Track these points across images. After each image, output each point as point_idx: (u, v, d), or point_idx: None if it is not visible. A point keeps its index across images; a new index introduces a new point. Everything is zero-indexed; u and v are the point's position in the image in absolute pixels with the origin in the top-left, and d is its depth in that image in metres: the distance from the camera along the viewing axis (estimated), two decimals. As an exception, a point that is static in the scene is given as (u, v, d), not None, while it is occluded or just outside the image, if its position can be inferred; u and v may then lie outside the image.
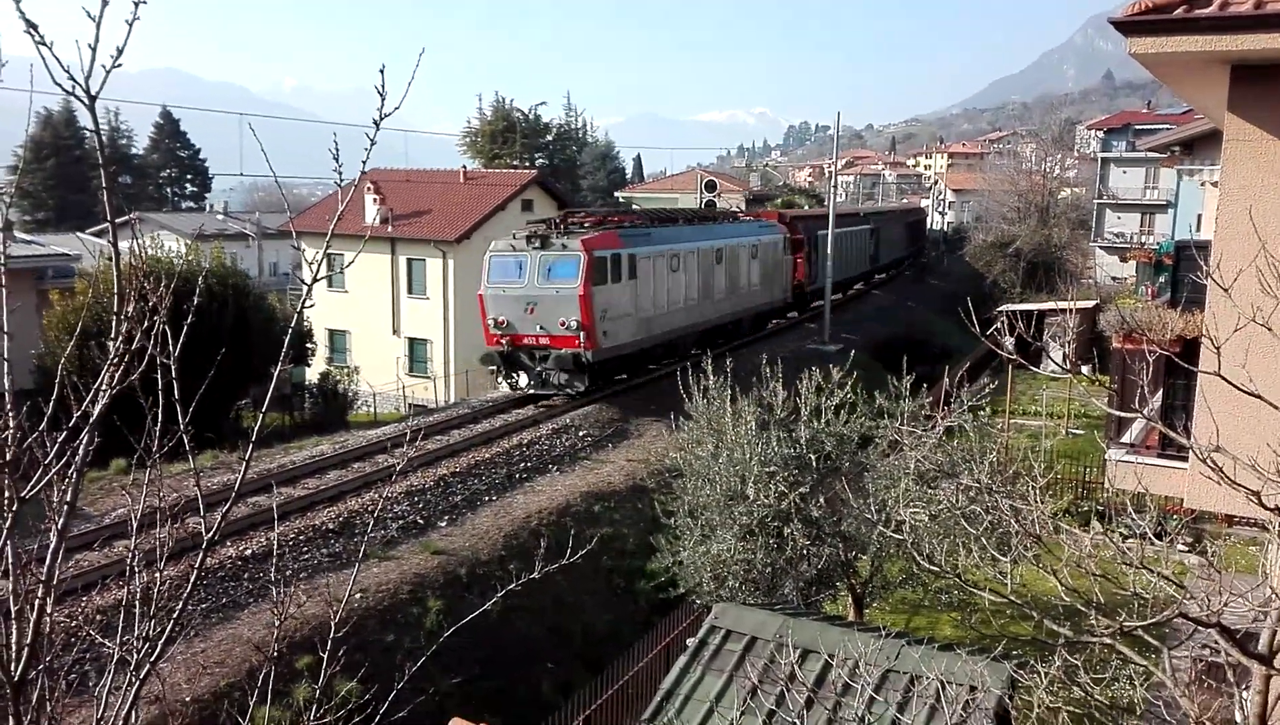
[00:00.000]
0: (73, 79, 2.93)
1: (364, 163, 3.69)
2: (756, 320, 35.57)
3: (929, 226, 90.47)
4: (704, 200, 48.60)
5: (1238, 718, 6.05)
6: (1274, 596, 4.11)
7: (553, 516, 16.90)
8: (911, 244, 71.96)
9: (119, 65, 2.98)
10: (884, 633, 7.79)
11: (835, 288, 44.37)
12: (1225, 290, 4.56)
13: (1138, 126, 66.71)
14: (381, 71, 3.35)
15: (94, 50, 2.91)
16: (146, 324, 3.39)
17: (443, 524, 16.41)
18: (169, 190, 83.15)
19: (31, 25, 2.90)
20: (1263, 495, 3.86)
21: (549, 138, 79.29)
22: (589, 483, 19.10)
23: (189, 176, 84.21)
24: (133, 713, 3.37)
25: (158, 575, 3.48)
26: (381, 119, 3.36)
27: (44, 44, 2.88)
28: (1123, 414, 8.34)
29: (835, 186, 45.92)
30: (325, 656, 3.79)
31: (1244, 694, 5.22)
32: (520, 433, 21.84)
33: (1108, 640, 4.47)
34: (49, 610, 3.19)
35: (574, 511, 17.43)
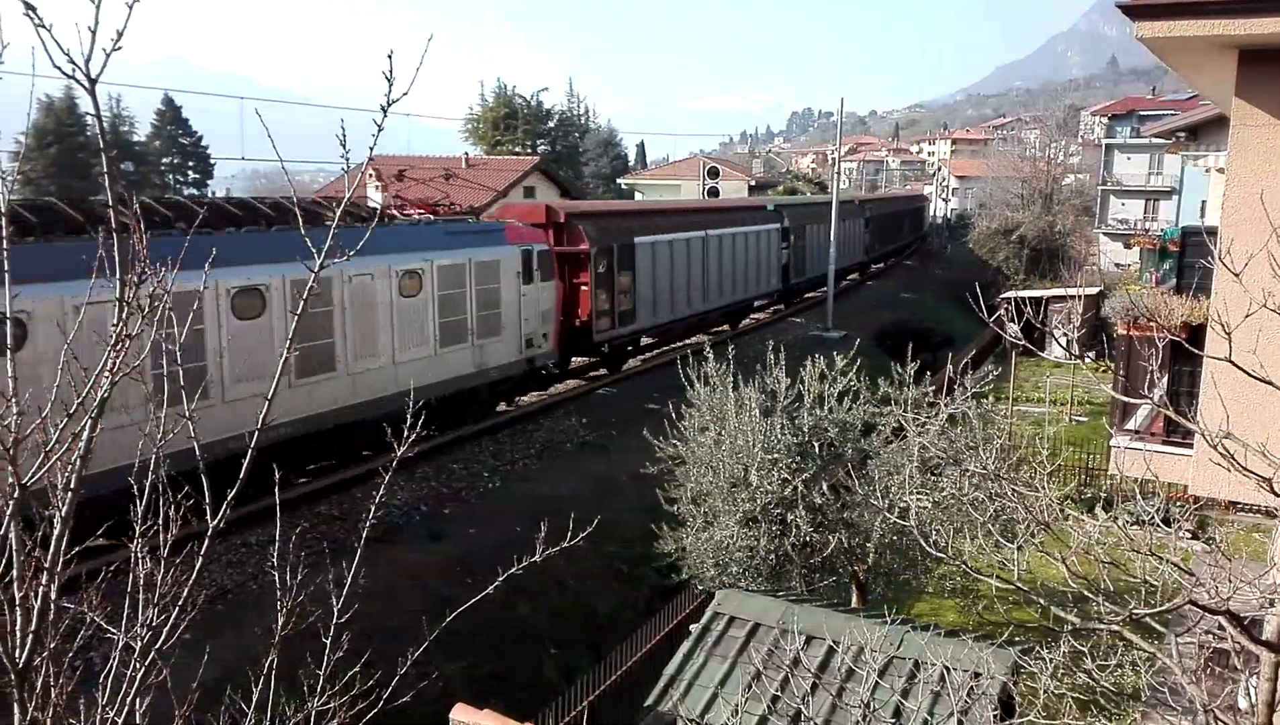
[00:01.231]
0: (73, 62, 2.90)
1: (371, 148, 3.63)
2: (449, 407, 19.31)
3: (931, 214, 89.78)
4: (706, 188, 48.33)
5: (1243, 704, 6.05)
6: (1282, 583, 4.10)
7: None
8: (882, 245, 57.33)
9: (119, 49, 2.95)
10: (888, 619, 7.79)
11: (667, 331, 29.60)
12: (1236, 276, 4.53)
13: (1142, 112, 66.60)
14: (389, 57, 3.31)
15: (94, 33, 2.88)
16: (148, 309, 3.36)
17: (446, 511, 16.43)
18: (171, 177, 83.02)
19: (30, 8, 2.87)
20: (1274, 482, 3.84)
21: (551, 124, 79.06)
22: None
23: (191, 163, 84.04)
24: (138, 699, 3.37)
25: (162, 561, 3.47)
26: (389, 104, 3.32)
27: (43, 26, 2.84)
28: (1129, 399, 8.31)
29: (839, 172, 45.74)
30: (329, 642, 3.79)
31: (1250, 681, 5.22)
32: None
33: (1116, 627, 4.46)
34: (53, 597, 3.19)
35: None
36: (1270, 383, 4.13)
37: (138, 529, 3.55)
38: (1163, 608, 4.38)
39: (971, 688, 6.66)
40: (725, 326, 34.60)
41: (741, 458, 11.76)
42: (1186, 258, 13.91)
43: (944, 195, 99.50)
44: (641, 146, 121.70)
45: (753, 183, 66.36)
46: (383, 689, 4.07)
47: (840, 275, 46.14)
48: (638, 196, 62.81)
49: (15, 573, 3.15)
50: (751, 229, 35.46)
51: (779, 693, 7.19)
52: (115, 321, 3.22)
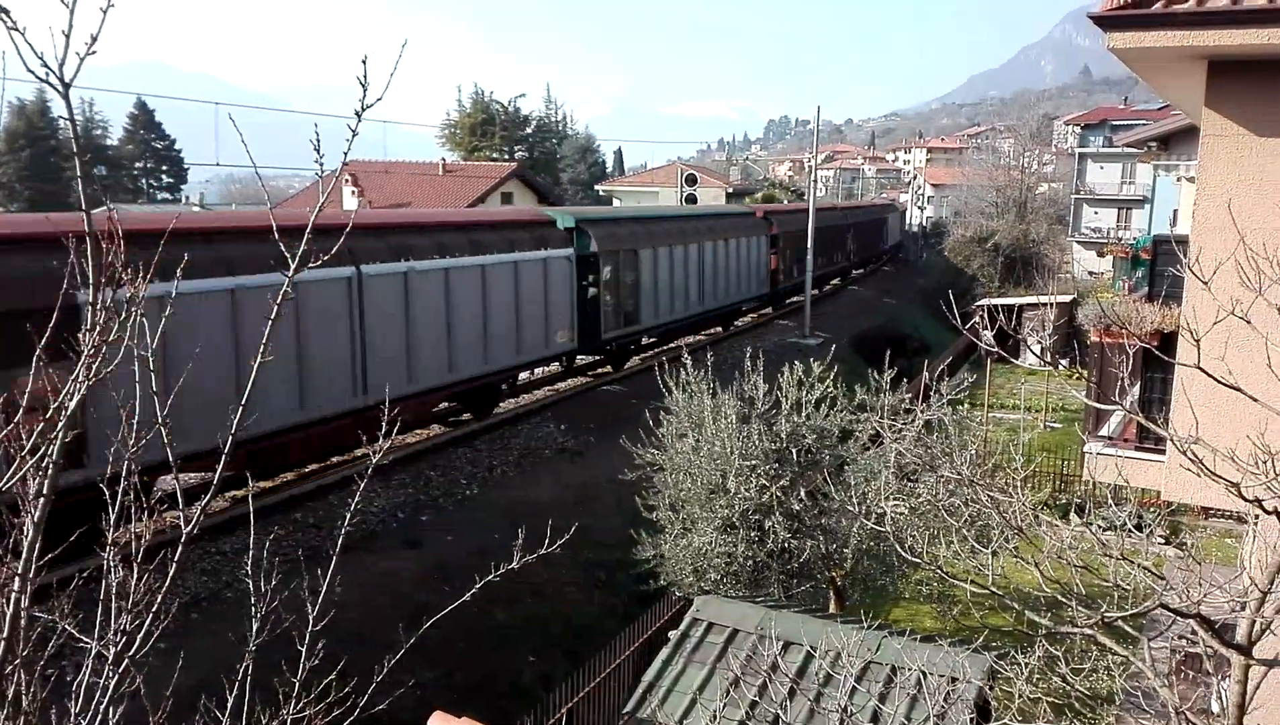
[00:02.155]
0: (46, 66, 2.88)
1: (345, 154, 3.61)
2: None
3: (906, 223, 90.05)
4: (685, 195, 48.44)
5: (1215, 708, 6.12)
6: (1252, 587, 4.16)
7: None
8: (802, 272, 38.05)
9: (94, 52, 2.92)
10: (865, 624, 7.82)
11: (281, 452, 16.22)
12: (1205, 284, 4.60)
13: (1114, 122, 67.50)
14: (364, 62, 3.30)
15: (68, 37, 2.85)
16: (124, 315, 3.34)
17: (424, 518, 16.35)
18: (144, 181, 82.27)
19: (4, 10, 2.85)
20: (1242, 487, 3.90)
21: (528, 130, 79.06)
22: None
23: (164, 168, 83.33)
24: (111, 708, 3.33)
25: (135, 569, 3.44)
26: (364, 110, 3.30)
27: (16, 29, 2.82)
28: (1102, 406, 8.40)
29: (815, 181, 45.94)
30: (304, 649, 3.77)
31: (1222, 684, 5.28)
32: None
33: (1089, 631, 4.51)
34: (25, 604, 3.15)
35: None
36: (1239, 389, 4.19)
37: (110, 536, 3.51)
38: (1134, 611, 4.42)
39: (948, 692, 6.70)
40: (466, 414, 22.12)
41: (719, 464, 11.78)
42: (1158, 266, 14.09)
43: (920, 203, 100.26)
44: (619, 153, 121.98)
45: (730, 190, 66.46)
46: (359, 696, 4.05)
47: (729, 314, 35.37)
48: (615, 203, 62.81)
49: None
50: (505, 258, 21.30)
51: (757, 698, 7.20)
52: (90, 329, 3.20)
